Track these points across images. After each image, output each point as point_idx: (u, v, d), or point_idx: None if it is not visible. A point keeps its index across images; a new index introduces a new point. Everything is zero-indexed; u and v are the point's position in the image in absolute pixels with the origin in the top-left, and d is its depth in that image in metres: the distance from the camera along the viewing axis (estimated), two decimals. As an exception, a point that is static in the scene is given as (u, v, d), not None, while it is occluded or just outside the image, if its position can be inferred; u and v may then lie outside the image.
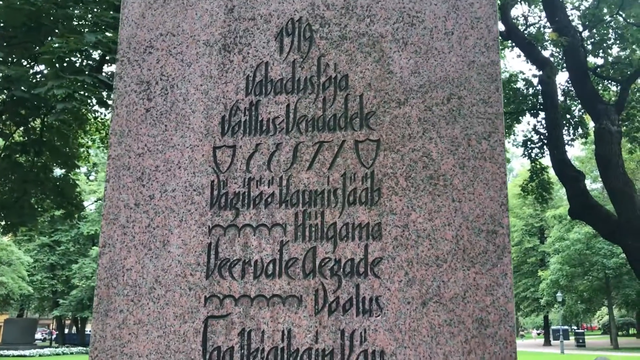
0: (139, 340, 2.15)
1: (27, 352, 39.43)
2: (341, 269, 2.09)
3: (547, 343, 56.36)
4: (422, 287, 2.03)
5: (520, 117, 19.07)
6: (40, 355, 38.90)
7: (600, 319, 74.41)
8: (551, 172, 18.46)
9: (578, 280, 44.15)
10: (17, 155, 12.15)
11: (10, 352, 38.89)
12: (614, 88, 18.98)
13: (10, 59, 9.68)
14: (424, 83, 2.21)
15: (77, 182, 15.22)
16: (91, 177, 48.26)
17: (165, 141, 2.32)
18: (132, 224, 2.26)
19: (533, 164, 19.03)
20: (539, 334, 77.96)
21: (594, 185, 44.56)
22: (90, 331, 2.30)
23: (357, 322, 2.04)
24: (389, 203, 2.12)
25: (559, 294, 44.49)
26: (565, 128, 18.30)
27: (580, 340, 51.03)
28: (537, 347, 54.72)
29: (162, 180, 2.28)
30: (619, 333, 49.74)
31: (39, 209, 13.87)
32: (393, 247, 2.08)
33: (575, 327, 69.57)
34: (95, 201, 45.43)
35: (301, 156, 2.22)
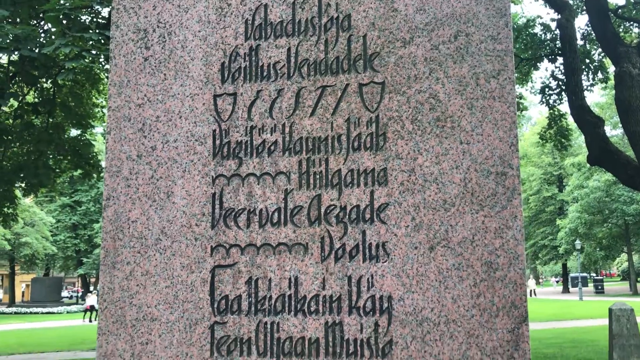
0: (147, 291, 2.15)
1: (54, 309, 40.72)
2: (347, 216, 2.05)
3: (566, 290, 56.68)
4: (429, 232, 1.99)
5: (537, 64, 18.64)
6: (67, 312, 40.15)
7: (620, 266, 74.39)
8: (570, 119, 18.14)
9: (597, 227, 43.98)
10: (33, 117, 12.18)
11: (39, 310, 40.21)
12: (635, 30, 18.38)
13: (17, 19, 9.59)
14: (429, 20, 2.11)
15: (93, 142, 15.30)
16: (108, 137, 48.53)
17: (165, 90, 2.26)
18: (135, 176, 2.24)
19: (551, 111, 18.69)
20: (557, 282, 78.29)
21: (613, 131, 43.84)
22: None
23: (363, 268, 2.01)
24: (394, 147, 2.06)
25: (577, 241, 44.42)
26: (584, 73, 17.85)
27: (599, 287, 51.23)
28: (556, 294, 55.06)
29: (164, 130, 2.24)
30: (638, 279, 49.68)
31: (57, 170, 14.00)
32: (399, 192, 2.03)
33: (594, 274, 69.69)
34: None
35: (303, 102, 2.15)
